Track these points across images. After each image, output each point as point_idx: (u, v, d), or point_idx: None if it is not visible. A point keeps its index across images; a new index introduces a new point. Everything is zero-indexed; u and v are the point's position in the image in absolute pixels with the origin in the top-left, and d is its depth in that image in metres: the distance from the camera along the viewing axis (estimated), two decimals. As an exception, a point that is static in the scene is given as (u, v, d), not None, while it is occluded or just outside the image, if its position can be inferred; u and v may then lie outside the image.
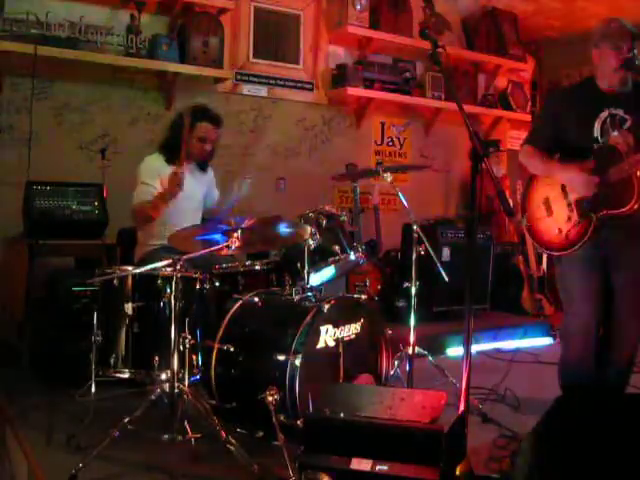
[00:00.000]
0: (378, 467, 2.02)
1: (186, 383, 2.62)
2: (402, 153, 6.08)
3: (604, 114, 2.92)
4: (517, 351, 4.43)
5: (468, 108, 2.93)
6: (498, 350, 4.66)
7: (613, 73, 2.91)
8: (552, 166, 3.03)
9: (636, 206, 2.76)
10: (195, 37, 4.65)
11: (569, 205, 2.96)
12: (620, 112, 2.91)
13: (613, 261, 2.96)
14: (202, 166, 3.64)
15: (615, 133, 2.87)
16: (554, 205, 3.03)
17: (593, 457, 1.80)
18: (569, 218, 2.95)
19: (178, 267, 2.59)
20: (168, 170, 3.45)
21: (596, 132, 2.93)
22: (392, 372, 3.06)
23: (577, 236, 2.92)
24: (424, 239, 3.42)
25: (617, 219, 2.84)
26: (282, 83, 5.30)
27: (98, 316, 2.75)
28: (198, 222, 3.59)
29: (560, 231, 2.97)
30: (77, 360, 3.05)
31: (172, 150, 3.45)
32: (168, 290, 2.67)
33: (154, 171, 3.44)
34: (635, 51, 2.86)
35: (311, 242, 2.93)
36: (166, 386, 2.58)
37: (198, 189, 3.63)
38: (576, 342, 3.04)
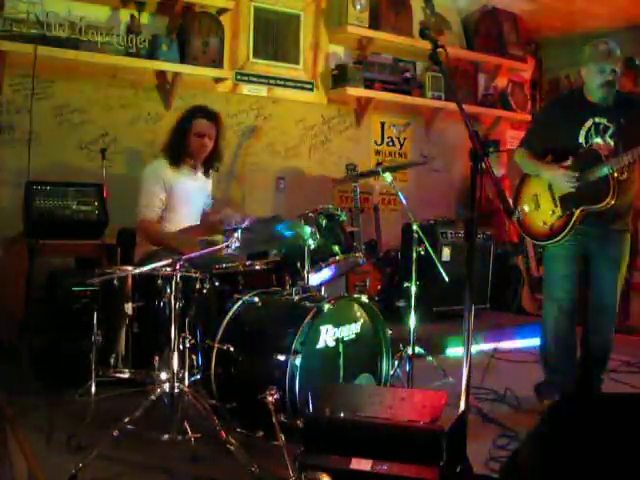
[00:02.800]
0: (378, 467, 2.02)
1: (186, 383, 2.62)
2: (402, 153, 6.08)
3: (589, 122, 3.25)
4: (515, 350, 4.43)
5: (468, 108, 2.92)
6: (498, 350, 4.66)
7: (596, 90, 3.22)
8: (539, 166, 3.38)
9: (612, 202, 3.10)
10: (195, 37, 4.65)
11: (554, 201, 3.31)
12: (604, 121, 3.23)
13: (592, 252, 3.31)
14: (207, 170, 3.67)
15: (598, 139, 3.23)
16: (541, 201, 3.38)
17: (593, 457, 1.80)
18: (553, 212, 3.31)
19: (178, 267, 2.60)
20: (172, 175, 3.48)
21: (581, 138, 3.26)
22: (392, 372, 3.06)
23: (560, 228, 3.27)
24: (424, 239, 3.42)
25: (596, 215, 3.18)
26: (282, 83, 5.30)
27: (98, 316, 2.75)
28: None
29: (545, 223, 3.33)
30: (77, 360, 3.04)
31: (175, 151, 3.52)
32: (168, 290, 2.67)
33: (158, 176, 3.48)
34: (618, 70, 3.17)
35: (311, 242, 2.93)
36: (166, 386, 2.58)
37: (199, 194, 3.66)
38: (557, 326, 3.35)
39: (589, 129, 3.25)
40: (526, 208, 3.41)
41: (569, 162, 3.25)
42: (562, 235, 3.25)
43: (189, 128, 3.51)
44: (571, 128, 3.29)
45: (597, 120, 3.24)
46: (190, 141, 3.52)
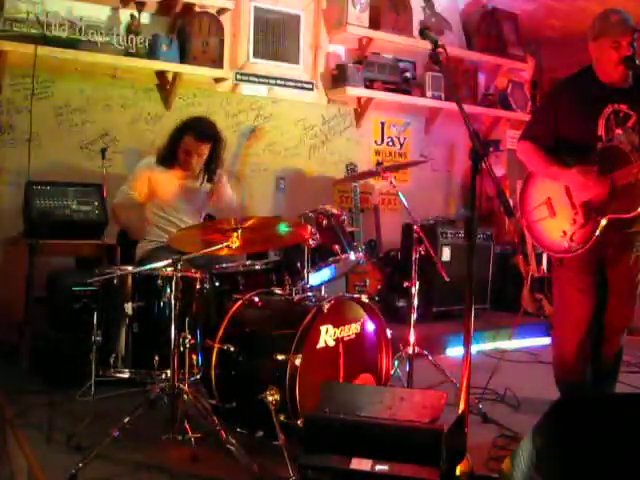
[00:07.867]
0: (378, 467, 2.02)
1: (186, 383, 2.62)
2: (402, 153, 6.07)
3: (608, 110, 2.84)
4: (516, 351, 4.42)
5: (468, 108, 2.90)
6: (498, 350, 4.66)
7: (613, 68, 2.82)
8: (554, 171, 2.94)
9: None
10: (195, 37, 4.65)
11: (574, 207, 2.90)
12: (624, 108, 2.82)
13: (610, 259, 2.95)
14: (210, 177, 3.67)
15: (619, 131, 2.80)
16: (557, 206, 2.96)
17: (593, 457, 1.80)
18: (574, 221, 2.89)
19: (178, 267, 2.60)
20: (161, 175, 3.56)
21: (600, 130, 2.84)
22: (392, 372, 3.06)
23: (582, 239, 2.86)
24: (424, 239, 3.42)
25: (620, 221, 2.80)
26: (282, 83, 5.29)
27: (98, 316, 2.75)
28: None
29: (565, 233, 2.91)
30: (77, 360, 3.04)
31: (165, 157, 3.59)
32: (168, 290, 2.67)
33: (146, 172, 3.57)
34: (635, 45, 2.77)
35: (311, 242, 2.93)
36: (166, 386, 2.58)
37: (194, 197, 3.68)
38: (570, 342, 3.03)
39: (608, 118, 2.81)
40: (537, 215, 3.00)
41: (593, 164, 2.81)
42: (585, 248, 2.84)
43: (179, 142, 3.54)
44: (588, 118, 2.86)
45: (617, 107, 2.81)
46: (178, 154, 3.55)
